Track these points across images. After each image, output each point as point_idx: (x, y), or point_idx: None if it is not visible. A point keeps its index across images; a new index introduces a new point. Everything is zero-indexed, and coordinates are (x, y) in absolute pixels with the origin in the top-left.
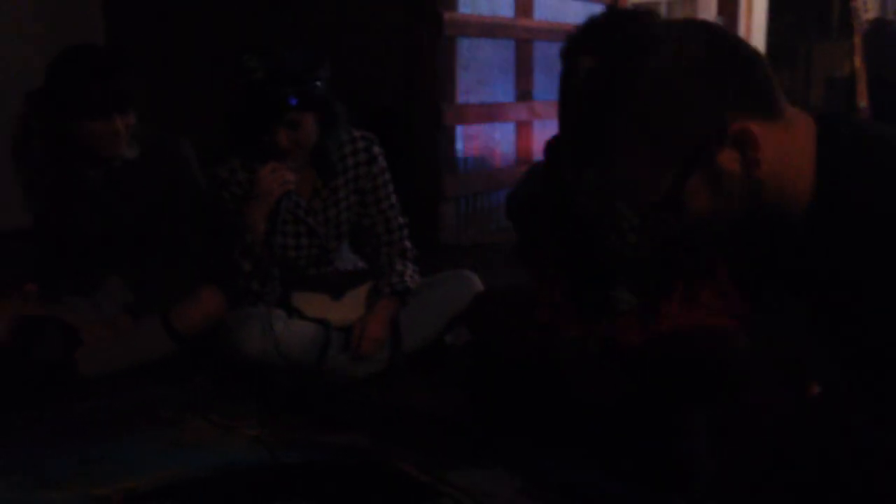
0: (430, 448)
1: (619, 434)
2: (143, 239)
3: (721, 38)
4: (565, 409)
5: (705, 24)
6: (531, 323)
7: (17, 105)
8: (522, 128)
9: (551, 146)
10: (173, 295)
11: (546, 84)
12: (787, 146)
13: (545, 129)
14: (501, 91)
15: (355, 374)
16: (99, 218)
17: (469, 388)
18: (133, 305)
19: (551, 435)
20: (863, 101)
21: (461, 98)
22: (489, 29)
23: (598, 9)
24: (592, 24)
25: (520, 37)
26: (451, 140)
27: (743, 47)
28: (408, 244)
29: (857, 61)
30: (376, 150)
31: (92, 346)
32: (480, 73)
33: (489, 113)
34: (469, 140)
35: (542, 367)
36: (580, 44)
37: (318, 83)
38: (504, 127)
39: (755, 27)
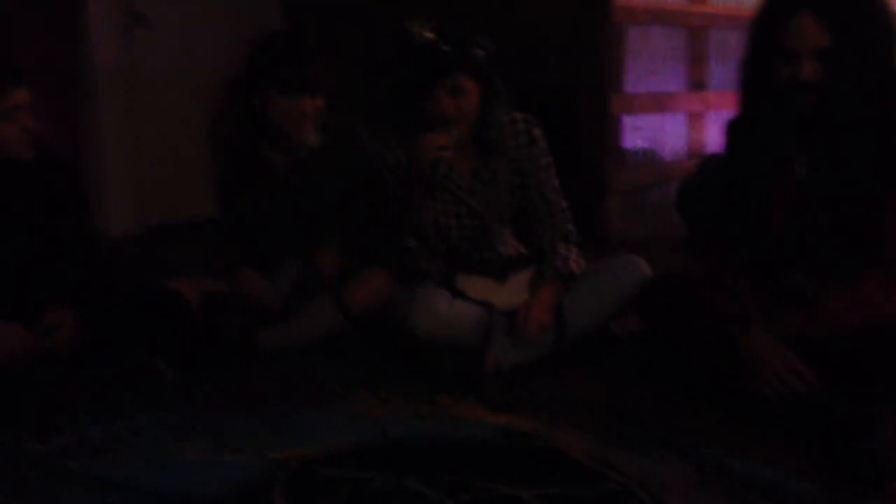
0: (599, 435)
1: (803, 428)
2: (322, 223)
3: None
4: (744, 399)
5: None
6: (706, 311)
7: (204, 93)
8: (694, 119)
9: (734, 125)
10: (346, 276)
11: (722, 74)
12: None
13: (719, 121)
14: (673, 80)
15: (518, 359)
16: (283, 203)
17: (638, 377)
18: (306, 285)
19: (730, 427)
20: None
21: (629, 87)
22: (661, 15)
23: None
24: None
25: (694, 24)
26: (618, 130)
27: None
28: (571, 228)
29: None
30: (537, 132)
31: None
32: (650, 61)
33: (659, 103)
34: (637, 131)
35: (720, 356)
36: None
37: (481, 51)
38: (675, 118)
39: None
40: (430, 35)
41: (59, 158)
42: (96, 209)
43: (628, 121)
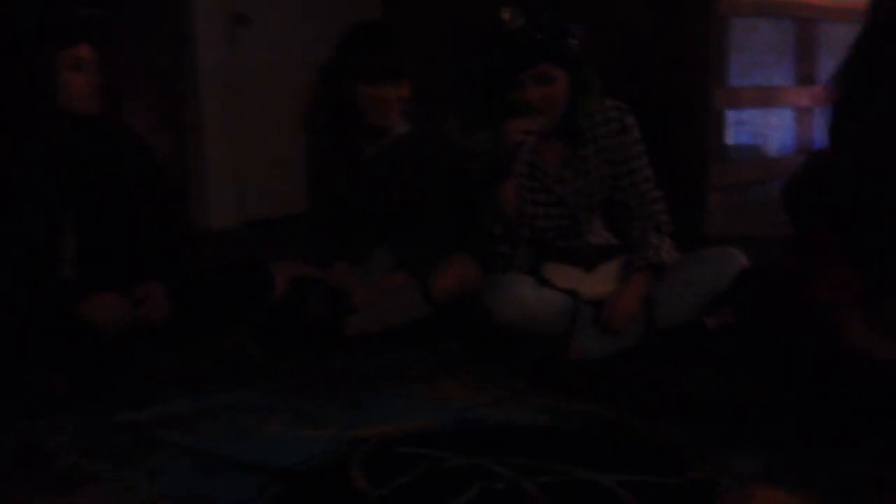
0: (685, 425)
1: None
2: (408, 211)
3: None
4: (843, 393)
5: None
6: (805, 301)
7: (303, 91)
8: (802, 114)
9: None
10: (431, 263)
11: (833, 68)
12: None
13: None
14: (779, 74)
15: (605, 349)
16: (369, 189)
17: (729, 370)
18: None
19: (828, 421)
20: None
21: (733, 81)
22: (768, 7)
23: None
24: None
25: (803, 16)
26: (721, 126)
27: None
28: (663, 217)
29: None
30: (629, 120)
31: (363, 308)
32: (755, 54)
33: (764, 97)
34: (741, 126)
35: (819, 348)
36: None
37: (573, 40)
38: (781, 113)
39: None
40: (520, 22)
41: (130, 131)
42: (198, 203)
43: (732, 115)
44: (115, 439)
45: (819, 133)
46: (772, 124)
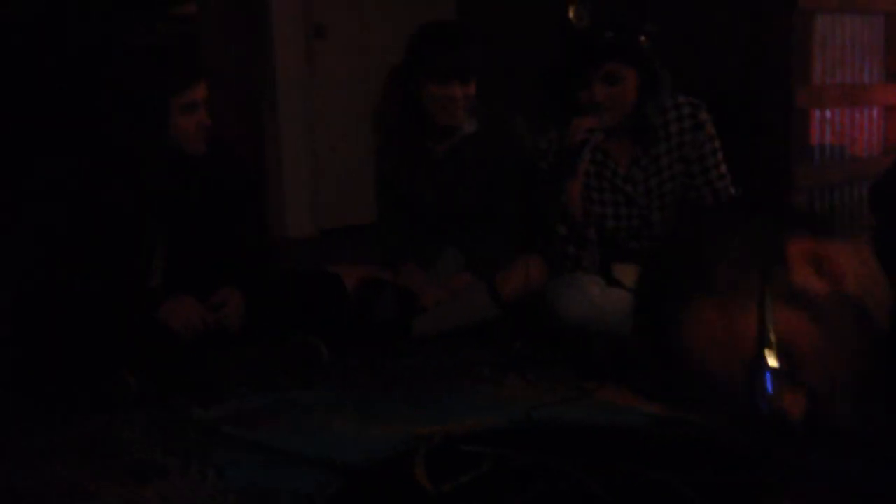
0: (757, 426)
1: None
2: (476, 211)
3: None
4: None
5: None
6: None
7: (379, 81)
8: (891, 113)
9: None
10: (499, 263)
11: None
12: None
13: None
14: (867, 71)
15: None
16: (437, 189)
17: None
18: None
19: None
20: None
21: (817, 79)
22: (853, 2)
23: None
24: None
25: (891, 10)
26: (805, 125)
27: None
28: None
29: None
30: (703, 115)
31: (430, 308)
32: (842, 51)
33: (851, 96)
34: (826, 125)
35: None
36: None
37: (643, 38)
38: (869, 112)
39: None
40: (586, 21)
41: (231, 153)
42: (276, 212)
43: (816, 114)
44: (185, 434)
45: None
46: (858, 123)
